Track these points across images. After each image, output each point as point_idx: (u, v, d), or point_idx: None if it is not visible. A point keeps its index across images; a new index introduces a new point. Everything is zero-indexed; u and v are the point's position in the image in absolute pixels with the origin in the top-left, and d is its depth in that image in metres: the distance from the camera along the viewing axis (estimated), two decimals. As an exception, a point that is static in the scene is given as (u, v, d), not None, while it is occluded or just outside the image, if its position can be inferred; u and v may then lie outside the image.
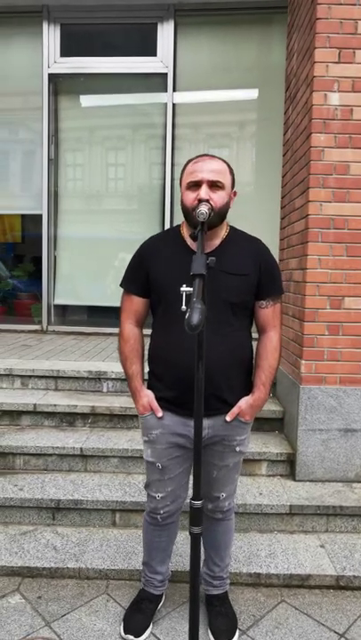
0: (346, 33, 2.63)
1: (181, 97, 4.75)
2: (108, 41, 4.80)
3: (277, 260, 3.56)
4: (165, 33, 4.64)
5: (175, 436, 1.78)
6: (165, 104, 4.73)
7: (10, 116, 5.08)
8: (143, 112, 5.00)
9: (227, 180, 1.68)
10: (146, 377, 1.88)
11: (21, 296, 5.78)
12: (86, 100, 5.10)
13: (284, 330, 3.03)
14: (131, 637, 1.91)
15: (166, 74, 4.68)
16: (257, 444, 2.92)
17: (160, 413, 1.79)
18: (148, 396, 1.82)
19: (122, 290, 1.88)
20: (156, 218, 4.91)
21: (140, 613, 1.98)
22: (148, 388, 1.85)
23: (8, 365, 3.50)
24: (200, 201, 1.61)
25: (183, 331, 1.21)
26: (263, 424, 3.11)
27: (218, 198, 1.65)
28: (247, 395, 1.80)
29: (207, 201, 1.61)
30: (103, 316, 5.11)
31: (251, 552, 2.39)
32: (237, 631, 1.96)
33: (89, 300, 5.20)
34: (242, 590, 2.22)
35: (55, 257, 5.12)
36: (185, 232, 1.78)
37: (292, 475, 2.85)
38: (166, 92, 4.70)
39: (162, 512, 1.89)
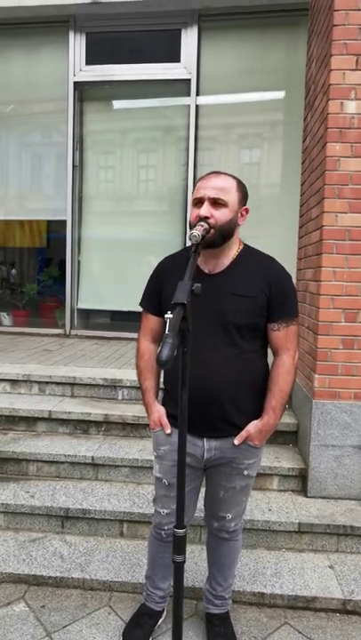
0: (365, 39, 2.55)
1: (204, 101, 4.74)
2: (132, 48, 4.83)
3: (295, 270, 3.52)
4: (189, 39, 4.64)
5: None
6: (188, 107, 4.74)
7: (37, 123, 5.19)
8: (167, 117, 5.01)
9: (231, 198, 1.65)
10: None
11: (46, 300, 5.89)
12: (110, 107, 5.16)
13: (300, 342, 2.96)
14: (128, 653, 1.91)
15: (190, 79, 4.67)
16: (269, 458, 2.87)
17: (168, 430, 1.79)
18: (158, 412, 1.82)
19: None
20: (179, 220, 4.91)
21: (138, 629, 1.98)
22: (163, 404, 1.85)
23: (27, 371, 3.57)
24: (200, 219, 1.60)
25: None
26: (277, 437, 3.05)
27: (220, 215, 1.62)
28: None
29: (207, 218, 1.60)
30: (126, 319, 5.14)
31: (256, 570, 2.35)
32: (236, 653, 1.93)
33: (112, 305, 5.25)
34: (245, 609, 2.19)
35: (79, 261, 5.19)
36: None
37: (303, 490, 2.79)
38: (189, 96, 4.70)
39: (166, 528, 1.89)
